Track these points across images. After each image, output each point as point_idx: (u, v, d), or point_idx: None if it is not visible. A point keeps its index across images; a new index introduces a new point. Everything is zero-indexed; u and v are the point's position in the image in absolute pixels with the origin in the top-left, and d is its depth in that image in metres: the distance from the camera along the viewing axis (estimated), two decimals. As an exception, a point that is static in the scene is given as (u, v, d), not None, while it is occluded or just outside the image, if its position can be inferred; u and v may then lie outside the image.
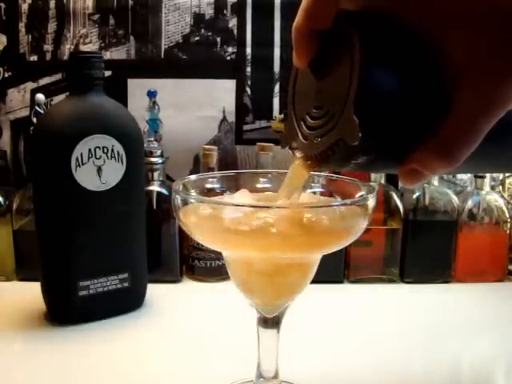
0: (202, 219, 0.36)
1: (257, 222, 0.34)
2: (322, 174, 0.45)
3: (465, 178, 0.82)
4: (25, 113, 0.82)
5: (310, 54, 0.32)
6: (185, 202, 0.37)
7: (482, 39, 0.26)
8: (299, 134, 0.34)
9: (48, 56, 0.82)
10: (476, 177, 0.72)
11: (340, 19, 0.29)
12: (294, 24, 0.31)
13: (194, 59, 0.82)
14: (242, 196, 0.40)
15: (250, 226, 0.34)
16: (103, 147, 0.55)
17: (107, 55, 0.81)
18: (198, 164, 0.81)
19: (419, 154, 0.29)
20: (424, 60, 0.28)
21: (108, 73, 0.77)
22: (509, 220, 0.72)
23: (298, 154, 0.34)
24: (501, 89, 0.27)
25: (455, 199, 0.71)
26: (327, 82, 0.32)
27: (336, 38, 0.30)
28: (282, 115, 0.78)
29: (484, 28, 0.26)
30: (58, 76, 0.82)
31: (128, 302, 0.60)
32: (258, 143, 0.74)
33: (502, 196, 0.74)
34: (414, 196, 0.71)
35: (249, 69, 0.82)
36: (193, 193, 0.42)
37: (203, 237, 0.39)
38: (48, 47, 0.82)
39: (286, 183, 0.36)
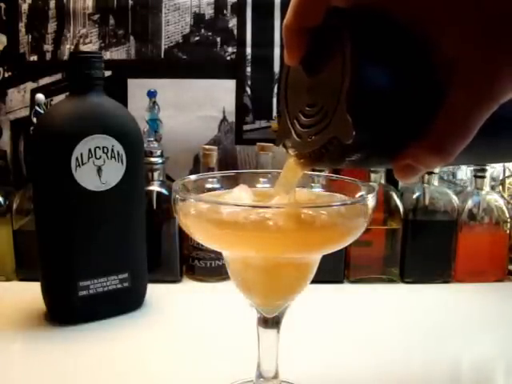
0: (201, 213, 0.36)
1: (254, 216, 0.34)
2: (322, 174, 0.45)
3: (465, 178, 0.82)
4: (25, 113, 0.82)
5: (300, 51, 0.31)
6: (184, 202, 0.37)
7: (473, 33, 0.26)
8: (293, 132, 0.33)
9: (48, 56, 0.82)
10: (476, 177, 0.72)
11: (330, 16, 0.29)
12: (285, 22, 0.31)
13: (193, 59, 0.82)
14: (241, 191, 0.40)
15: (248, 219, 0.34)
16: (103, 147, 0.55)
17: (107, 55, 0.81)
18: (198, 164, 0.80)
19: (413, 149, 0.29)
20: (415, 56, 0.28)
21: (108, 73, 0.77)
22: (509, 220, 0.72)
23: (292, 153, 0.34)
24: (493, 83, 0.26)
25: (455, 199, 0.71)
26: (319, 80, 0.31)
27: (327, 35, 0.30)
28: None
29: (476, 21, 0.26)
30: (58, 76, 0.82)
31: (128, 302, 0.60)
32: (258, 143, 0.74)
33: (502, 196, 0.74)
34: (414, 196, 0.71)
35: (249, 69, 0.82)
36: (193, 193, 0.42)
37: (202, 234, 0.39)
38: (48, 47, 0.82)
39: (281, 181, 0.36)
